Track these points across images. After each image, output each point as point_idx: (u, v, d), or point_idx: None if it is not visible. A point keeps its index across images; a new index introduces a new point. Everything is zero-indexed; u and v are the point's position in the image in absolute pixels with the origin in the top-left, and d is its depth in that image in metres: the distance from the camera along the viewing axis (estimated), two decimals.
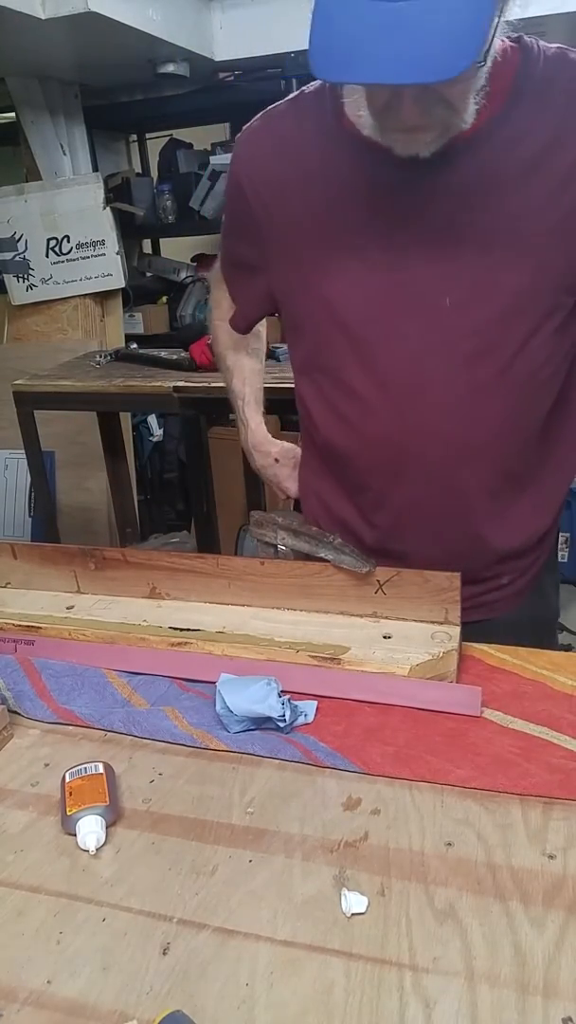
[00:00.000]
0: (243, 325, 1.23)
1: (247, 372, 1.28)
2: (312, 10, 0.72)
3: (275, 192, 1.02)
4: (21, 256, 3.10)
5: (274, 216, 1.03)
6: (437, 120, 0.83)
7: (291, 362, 1.14)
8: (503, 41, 0.86)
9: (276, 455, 1.28)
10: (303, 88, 1.02)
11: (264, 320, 1.26)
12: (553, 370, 1.00)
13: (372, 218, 0.95)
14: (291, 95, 1.03)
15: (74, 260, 3.09)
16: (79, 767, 0.79)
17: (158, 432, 3.38)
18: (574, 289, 0.95)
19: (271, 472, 1.30)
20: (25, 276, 3.13)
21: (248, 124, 1.06)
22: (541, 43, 0.91)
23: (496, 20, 0.76)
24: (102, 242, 3.06)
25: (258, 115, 1.06)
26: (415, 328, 0.96)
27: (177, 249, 3.94)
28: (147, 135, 3.84)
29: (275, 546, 1.09)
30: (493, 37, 0.77)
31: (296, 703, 0.87)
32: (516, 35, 0.89)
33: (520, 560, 1.12)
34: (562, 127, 0.89)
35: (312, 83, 0.99)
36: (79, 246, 3.07)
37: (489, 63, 0.81)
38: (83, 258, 3.08)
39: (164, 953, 0.62)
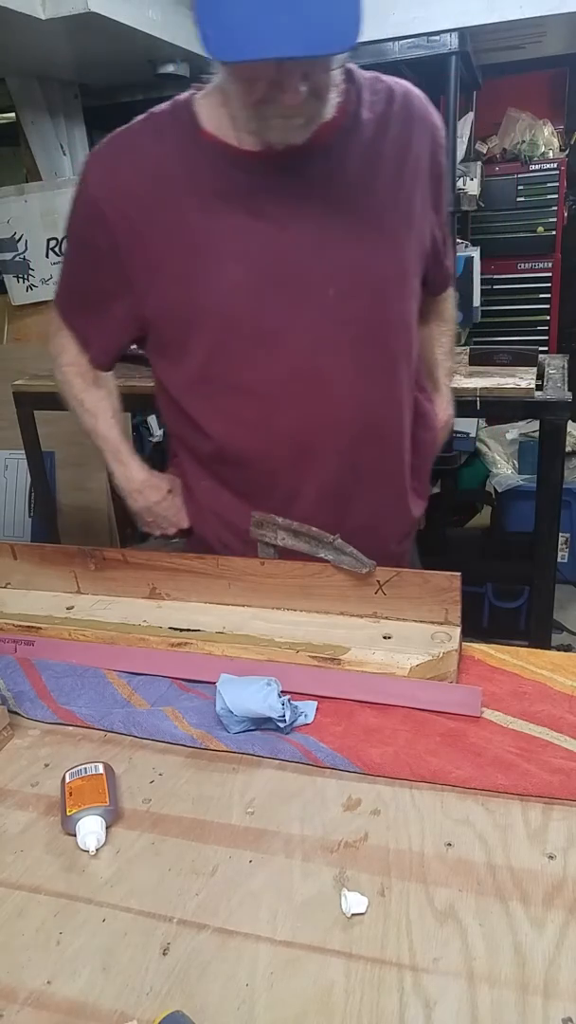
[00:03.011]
0: (106, 360, 1.18)
1: (110, 412, 1.22)
2: None
3: (141, 207, 0.99)
4: (21, 256, 3.09)
5: (142, 233, 1.00)
6: (307, 108, 0.87)
7: (167, 389, 1.11)
8: None
9: (168, 487, 1.23)
10: (152, 109, 1.02)
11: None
12: (414, 346, 1.12)
13: (251, 221, 0.98)
14: (141, 116, 1.02)
15: None
16: (79, 767, 0.79)
17: (158, 432, 3.37)
18: (419, 274, 1.09)
19: (164, 506, 1.23)
20: (25, 276, 3.12)
21: (95, 148, 1.04)
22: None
23: None
24: None
25: (105, 139, 1.04)
26: (306, 320, 1.01)
27: None
28: None
29: (275, 546, 1.09)
30: None
31: (296, 703, 0.87)
32: None
33: (406, 541, 1.23)
34: (396, 128, 1.00)
35: (162, 104, 1.01)
36: None
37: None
38: None
39: (164, 953, 0.62)
